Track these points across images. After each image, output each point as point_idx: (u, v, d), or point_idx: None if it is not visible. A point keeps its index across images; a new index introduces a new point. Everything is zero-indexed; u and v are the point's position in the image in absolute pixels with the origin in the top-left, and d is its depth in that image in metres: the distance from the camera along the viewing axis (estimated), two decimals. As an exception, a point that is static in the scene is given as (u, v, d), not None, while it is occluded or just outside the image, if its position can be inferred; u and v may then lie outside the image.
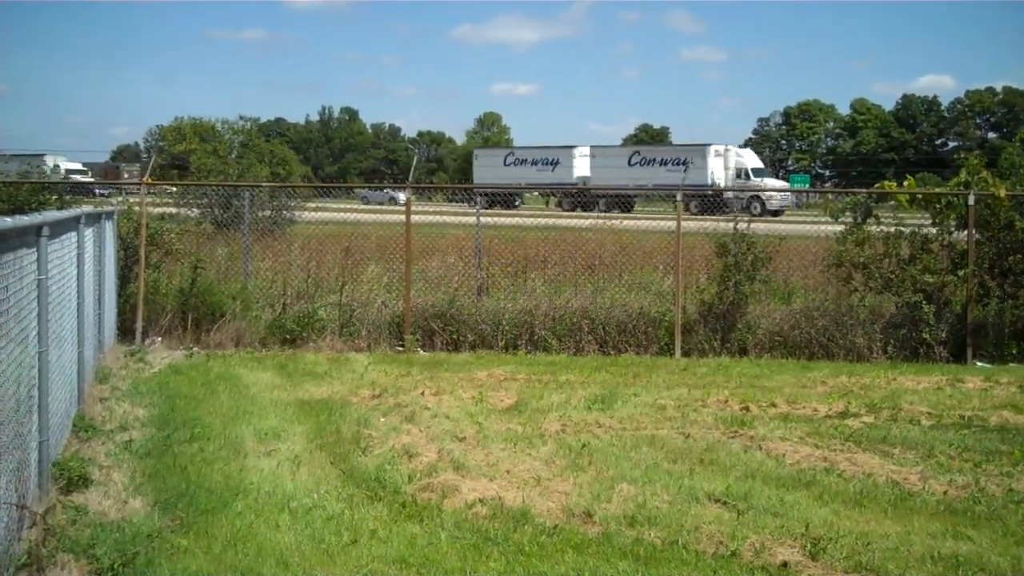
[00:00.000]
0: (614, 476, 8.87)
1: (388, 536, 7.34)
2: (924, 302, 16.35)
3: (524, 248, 20.27)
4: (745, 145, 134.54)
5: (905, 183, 19.09)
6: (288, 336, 16.48)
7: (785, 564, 6.89)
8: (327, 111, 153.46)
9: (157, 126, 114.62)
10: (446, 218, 23.31)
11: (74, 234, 10.29)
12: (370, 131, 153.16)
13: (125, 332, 16.37)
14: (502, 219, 23.39)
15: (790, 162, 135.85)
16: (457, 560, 6.89)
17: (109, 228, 14.67)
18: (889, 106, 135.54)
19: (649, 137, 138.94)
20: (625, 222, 23.09)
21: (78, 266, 10.51)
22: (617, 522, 7.69)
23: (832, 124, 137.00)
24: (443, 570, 6.70)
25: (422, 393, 12.43)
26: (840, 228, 17.72)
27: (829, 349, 16.35)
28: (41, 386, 7.62)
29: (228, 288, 17.35)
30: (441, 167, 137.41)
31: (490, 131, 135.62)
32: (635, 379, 13.91)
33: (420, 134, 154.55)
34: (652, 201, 47.36)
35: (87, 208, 12.19)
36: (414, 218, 17.65)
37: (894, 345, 16.29)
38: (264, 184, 25.76)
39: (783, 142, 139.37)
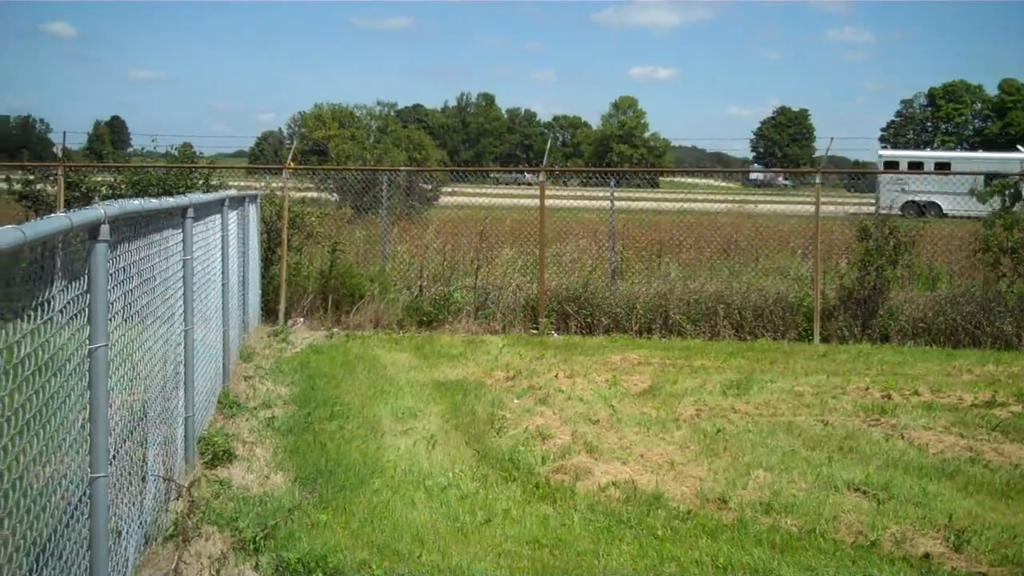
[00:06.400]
0: (750, 462, 8.74)
1: (521, 516, 7.38)
2: (1077, 289, 15.64)
3: (658, 232, 20.09)
4: (888, 127, 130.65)
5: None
6: (424, 318, 16.69)
7: (927, 555, 6.70)
8: (464, 97, 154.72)
9: (299, 112, 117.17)
10: (580, 202, 23.21)
11: (218, 216, 10.59)
12: (506, 116, 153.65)
13: (269, 313, 16.82)
14: (636, 203, 23.19)
15: (935, 144, 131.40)
16: (590, 542, 6.88)
17: (253, 211, 15.06)
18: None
19: (787, 120, 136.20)
20: (760, 206, 22.71)
21: (222, 247, 10.82)
22: (752, 509, 7.58)
23: (980, 105, 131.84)
24: (576, 552, 6.70)
25: (556, 376, 12.44)
26: (988, 212, 17.07)
27: (976, 336, 15.78)
28: (187, 364, 7.88)
29: (367, 271, 17.66)
30: (576, 152, 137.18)
31: (626, 115, 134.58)
32: (772, 365, 13.67)
33: (555, 118, 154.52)
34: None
35: (231, 191, 12.52)
36: (548, 202, 17.65)
37: (1045, 333, 15.63)
38: (401, 168, 26.10)
39: (928, 124, 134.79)
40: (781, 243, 19.08)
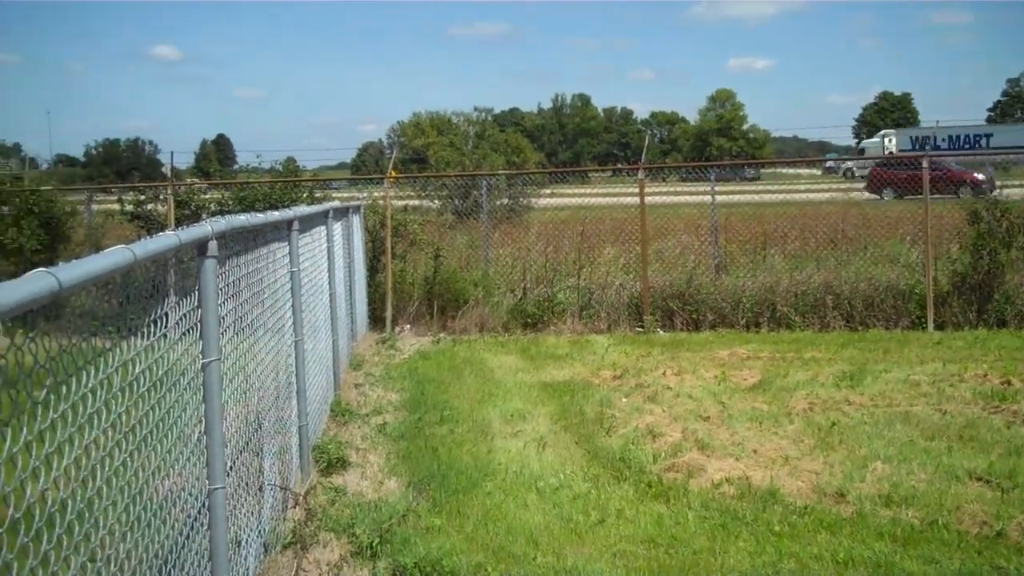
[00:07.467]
0: (866, 455, 8.55)
1: (635, 515, 7.33)
2: None
3: (761, 224, 19.80)
4: (995, 107, 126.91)
5: None
6: (529, 320, 16.72)
7: (1057, 545, 6.46)
8: (559, 98, 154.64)
9: (398, 122, 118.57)
10: (680, 197, 23.01)
11: (323, 228, 10.74)
12: (602, 115, 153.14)
13: (376, 320, 17.04)
14: (738, 196, 22.89)
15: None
16: (705, 540, 6.80)
17: (356, 221, 15.25)
18: None
19: (890, 105, 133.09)
20: (866, 193, 22.24)
21: (328, 258, 10.97)
22: (872, 502, 7.41)
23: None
24: (692, 550, 6.63)
25: (663, 373, 12.34)
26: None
27: (1099, 318, 15.18)
28: (298, 373, 7.99)
29: (470, 275, 17.76)
30: (675, 147, 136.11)
31: (723, 108, 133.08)
32: (885, 355, 13.36)
33: (653, 115, 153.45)
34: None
35: (335, 203, 12.69)
36: (648, 199, 17.53)
37: None
38: (500, 172, 26.20)
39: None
40: (889, 230, 18.62)
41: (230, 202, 18.65)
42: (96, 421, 3.22)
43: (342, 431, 9.87)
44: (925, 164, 16.83)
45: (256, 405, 6.21)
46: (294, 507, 7.27)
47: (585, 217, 19.58)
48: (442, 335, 16.29)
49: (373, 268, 17.41)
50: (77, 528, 3.03)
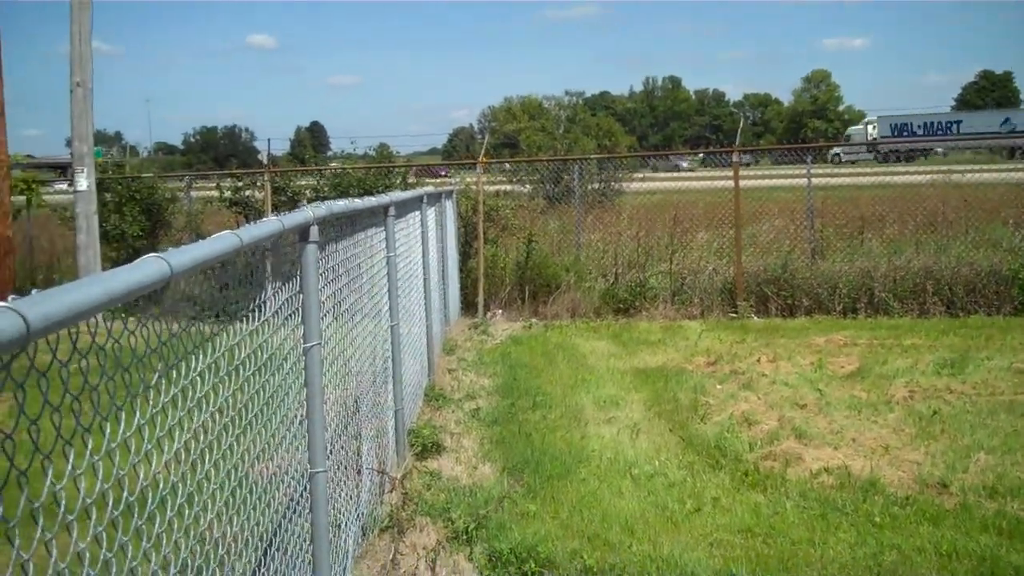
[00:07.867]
0: (969, 444, 8.35)
1: (731, 505, 7.25)
2: None
3: (858, 207, 19.42)
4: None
5: None
6: (621, 305, 16.65)
7: None
8: (650, 81, 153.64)
9: (489, 107, 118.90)
10: (774, 181, 22.65)
11: (417, 213, 10.80)
12: (694, 98, 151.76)
13: (468, 305, 17.12)
14: (834, 179, 22.44)
15: None
16: (804, 530, 6.71)
17: (449, 207, 15.33)
18: None
19: (990, 84, 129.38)
20: (968, 175, 21.65)
21: (423, 243, 11.04)
22: (976, 493, 7.24)
23: None
24: (790, 540, 6.54)
25: (758, 360, 12.19)
26: None
27: None
28: (394, 358, 8.07)
29: (561, 260, 17.74)
30: (768, 129, 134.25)
31: (818, 89, 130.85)
32: (987, 342, 13.02)
33: (745, 97, 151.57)
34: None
35: (428, 188, 12.76)
36: (742, 182, 17.31)
37: None
38: (592, 156, 26.03)
39: None
40: (991, 213, 18.11)
41: (325, 188, 18.86)
42: (204, 405, 3.26)
43: (436, 415, 9.93)
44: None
45: (354, 389, 6.27)
46: (391, 491, 7.33)
47: (677, 201, 19.39)
48: (534, 320, 16.31)
49: (465, 253, 17.49)
50: (187, 511, 3.08)
